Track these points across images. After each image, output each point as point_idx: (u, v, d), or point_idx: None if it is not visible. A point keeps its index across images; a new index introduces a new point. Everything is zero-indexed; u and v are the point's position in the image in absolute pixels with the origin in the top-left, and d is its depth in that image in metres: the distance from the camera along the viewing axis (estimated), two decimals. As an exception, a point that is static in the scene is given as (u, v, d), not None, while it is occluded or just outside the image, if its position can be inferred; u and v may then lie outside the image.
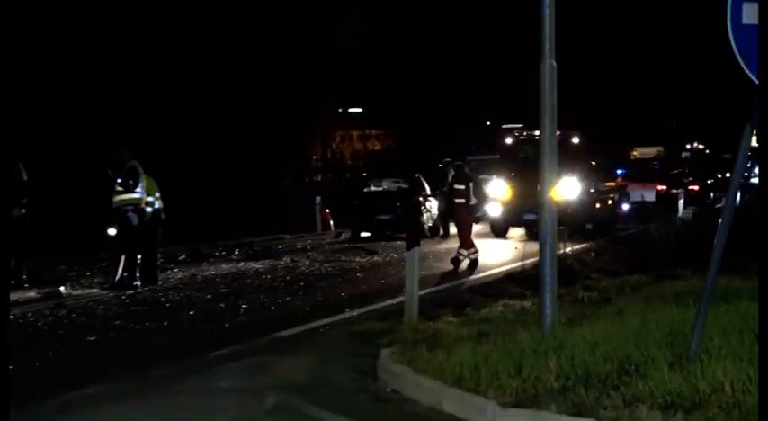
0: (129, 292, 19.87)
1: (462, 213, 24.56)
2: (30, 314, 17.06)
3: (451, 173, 26.57)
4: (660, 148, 59.72)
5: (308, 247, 32.01)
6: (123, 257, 20.63)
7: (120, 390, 10.72)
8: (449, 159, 26.04)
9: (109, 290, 20.24)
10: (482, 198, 25.49)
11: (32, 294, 19.87)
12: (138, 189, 20.77)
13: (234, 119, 44.80)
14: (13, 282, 20.89)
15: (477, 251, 24.25)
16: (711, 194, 51.67)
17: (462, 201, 24.33)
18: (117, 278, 20.59)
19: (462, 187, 24.40)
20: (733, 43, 9.11)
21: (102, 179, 22.02)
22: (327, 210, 41.82)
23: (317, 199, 42.24)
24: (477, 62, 55.20)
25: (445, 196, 27.44)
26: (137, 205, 20.76)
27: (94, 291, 20.50)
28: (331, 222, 41.25)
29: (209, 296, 19.48)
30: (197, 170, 41.23)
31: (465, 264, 23.89)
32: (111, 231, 21.82)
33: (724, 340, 10.07)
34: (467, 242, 24.31)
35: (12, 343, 14.11)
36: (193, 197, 37.81)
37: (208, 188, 41.36)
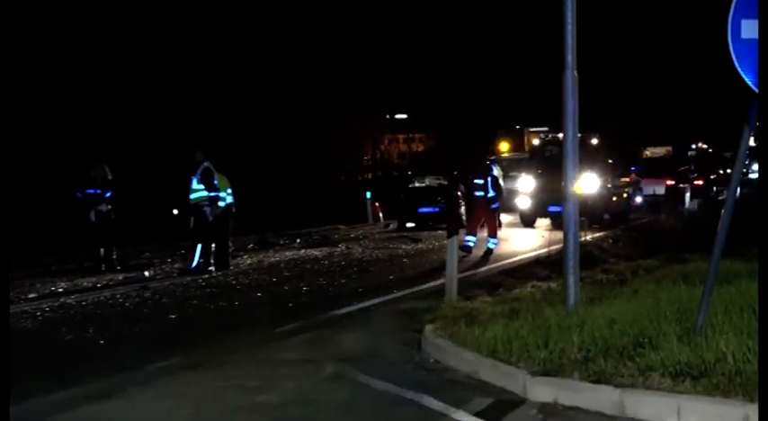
0: (204, 276, 19.95)
1: (480, 205, 23.82)
2: (118, 295, 17.19)
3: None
4: (669, 148, 59.14)
5: (361, 236, 32.01)
6: (199, 246, 20.73)
7: (197, 362, 10.75)
8: (493, 157, 25.51)
9: (187, 274, 20.35)
10: (501, 191, 24.38)
11: (120, 278, 20.06)
12: (213, 186, 20.86)
13: (299, 126, 45.00)
14: (104, 268, 21.25)
15: (474, 240, 23.51)
16: (714, 188, 51.28)
17: (480, 193, 23.68)
18: (194, 264, 20.69)
19: (481, 181, 23.67)
20: (733, 55, 9.06)
21: (179, 177, 22.19)
22: (377, 204, 41.86)
23: (368, 194, 42.33)
24: (507, 67, 54.85)
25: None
26: (211, 200, 20.85)
27: (174, 275, 20.62)
28: (380, 214, 41.27)
29: (275, 279, 19.51)
30: (266, 169, 41.38)
31: (496, 250, 23.69)
32: (175, 211, 22.08)
33: (727, 316, 9.99)
34: (472, 229, 23.77)
35: (102, 321, 14.31)
36: (261, 193, 37.90)
37: (274, 185, 41.51)
